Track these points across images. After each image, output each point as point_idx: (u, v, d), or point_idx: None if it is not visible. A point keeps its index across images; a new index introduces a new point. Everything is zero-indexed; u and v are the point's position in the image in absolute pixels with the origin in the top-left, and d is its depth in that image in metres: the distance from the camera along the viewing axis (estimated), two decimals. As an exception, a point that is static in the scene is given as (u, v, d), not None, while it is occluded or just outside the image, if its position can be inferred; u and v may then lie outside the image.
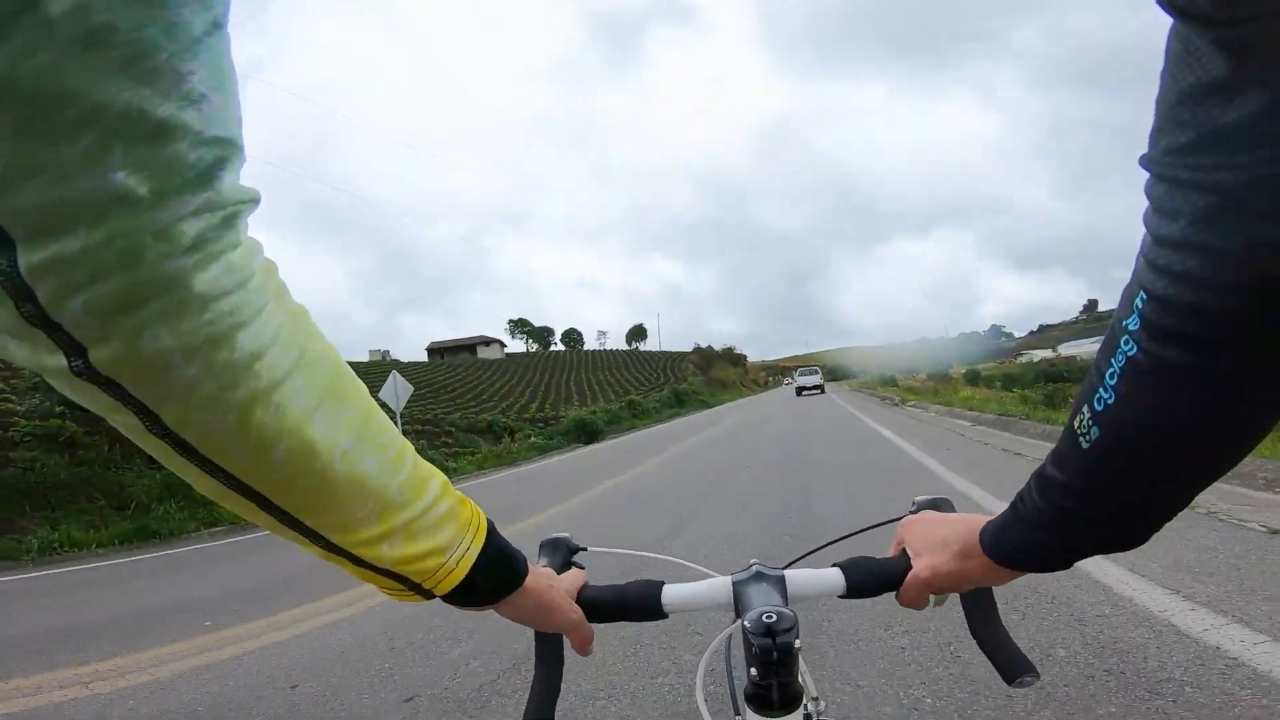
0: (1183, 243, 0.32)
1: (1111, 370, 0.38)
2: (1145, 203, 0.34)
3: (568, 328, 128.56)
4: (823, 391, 41.07)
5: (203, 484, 0.36)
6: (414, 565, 0.43)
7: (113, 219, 0.26)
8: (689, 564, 0.76)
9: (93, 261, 0.26)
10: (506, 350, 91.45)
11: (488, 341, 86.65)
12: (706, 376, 68.77)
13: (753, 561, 0.64)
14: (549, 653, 0.65)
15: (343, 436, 0.37)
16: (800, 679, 0.60)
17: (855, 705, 2.17)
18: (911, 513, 0.66)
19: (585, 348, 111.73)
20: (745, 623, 0.55)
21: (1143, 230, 0.35)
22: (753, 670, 0.55)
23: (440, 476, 0.45)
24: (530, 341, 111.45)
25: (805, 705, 0.60)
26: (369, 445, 0.38)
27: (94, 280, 0.27)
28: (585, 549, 0.72)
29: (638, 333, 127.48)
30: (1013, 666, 0.59)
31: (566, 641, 0.63)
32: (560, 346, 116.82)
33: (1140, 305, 0.35)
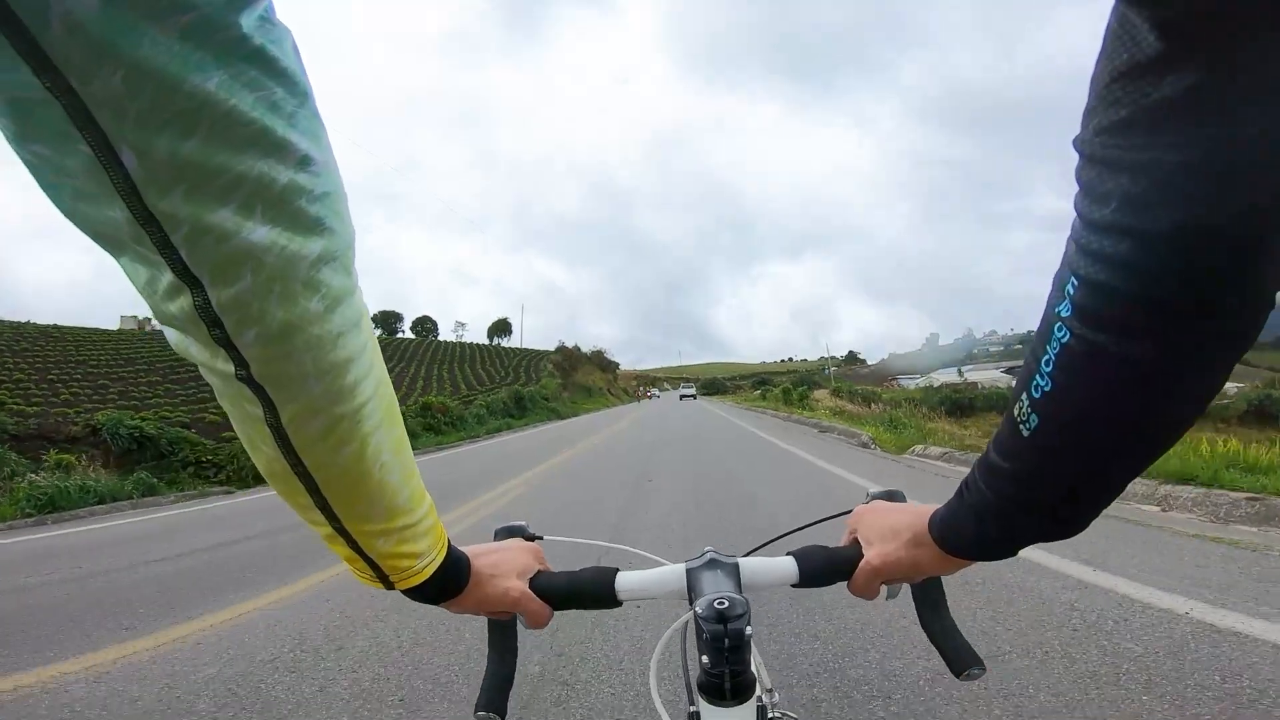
0: (1112, 226, 0.32)
1: (1047, 358, 0.37)
2: (1075, 187, 0.34)
3: (420, 315, 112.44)
4: (696, 398, 54.71)
5: (273, 465, 0.44)
6: (393, 561, 0.52)
7: (268, 267, 0.34)
8: (644, 553, 0.81)
9: (260, 301, 0.35)
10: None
11: None
12: (568, 380, 58.44)
13: (707, 549, 0.63)
14: (501, 640, 0.66)
15: (386, 449, 0.46)
16: (754, 669, 0.60)
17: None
18: (864, 504, 0.65)
19: (440, 338, 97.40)
20: (697, 609, 0.55)
21: (1073, 215, 0.35)
22: (704, 658, 0.55)
23: (429, 498, 0.54)
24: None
25: (759, 696, 0.60)
26: (399, 460, 0.48)
27: (262, 317, 0.36)
28: (541, 538, 0.72)
29: (500, 327, 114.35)
30: (960, 658, 0.60)
31: (521, 629, 0.65)
32: (409, 335, 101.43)
33: (1071, 291, 0.35)
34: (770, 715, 0.66)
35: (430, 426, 20.66)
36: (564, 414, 36.46)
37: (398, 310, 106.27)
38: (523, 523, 0.71)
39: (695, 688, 0.59)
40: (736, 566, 0.61)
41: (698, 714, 0.60)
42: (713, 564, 0.61)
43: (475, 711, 0.62)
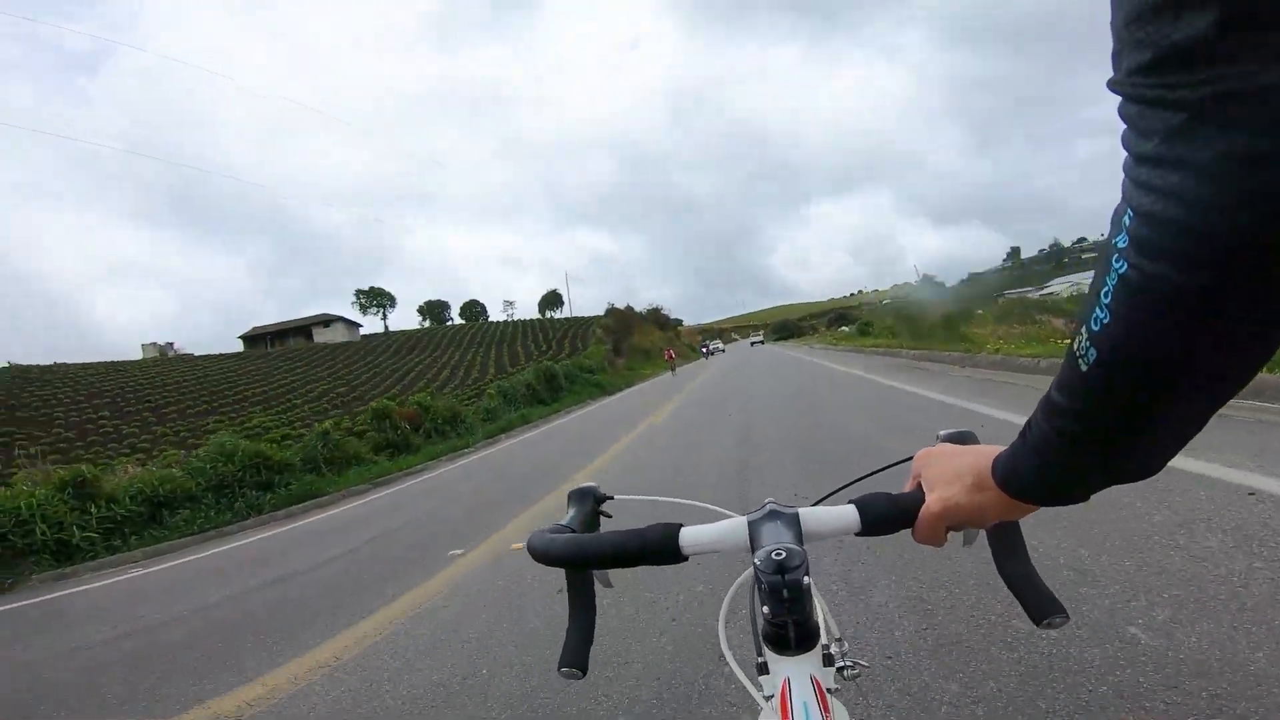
0: (1160, 159, 0.32)
1: (1106, 289, 0.37)
2: (1121, 126, 0.34)
3: (468, 300, 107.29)
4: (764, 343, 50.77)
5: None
6: None
7: None
8: (712, 507, 0.80)
9: None
10: (362, 330, 70.79)
11: (327, 321, 65.79)
12: (622, 344, 51.09)
13: (768, 501, 0.64)
14: (579, 596, 0.67)
15: None
16: (819, 618, 0.62)
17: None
18: (932, 446, 0.64)
19: (491, 320, 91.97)
20: (756, 561, 0.56)
21: (1123, 152, 0.35)
22: (766, 609, 0.56)
23: None
24: (381, 313, 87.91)
25: (826, 645, 0.62)
26: None
27: None
28: (612, 497, 0.76)
29: (551, 300, 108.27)
30: (1041, 606, 0.59)
31: (598, 585, 0.70)
32: (458, 321, 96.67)
33: (1128, 223, 0.35)
34: (838, 665, 0.66)
35: (390, 443, 13.75)
36: (610, 387, 29.23)
37: (444, 300, 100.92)
38: (594, 484, 0.76)
39: (761, 638, 0.62)
40: (796, 517, 0.61)
41: (764, 664, 0.64)
42: (773, 515, 0.62)
43: (559, 668, 0.65)
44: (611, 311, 64.30)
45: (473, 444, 14.51)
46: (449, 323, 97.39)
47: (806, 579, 0.54)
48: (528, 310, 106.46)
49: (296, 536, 7.71)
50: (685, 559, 0.63)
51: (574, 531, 0.69)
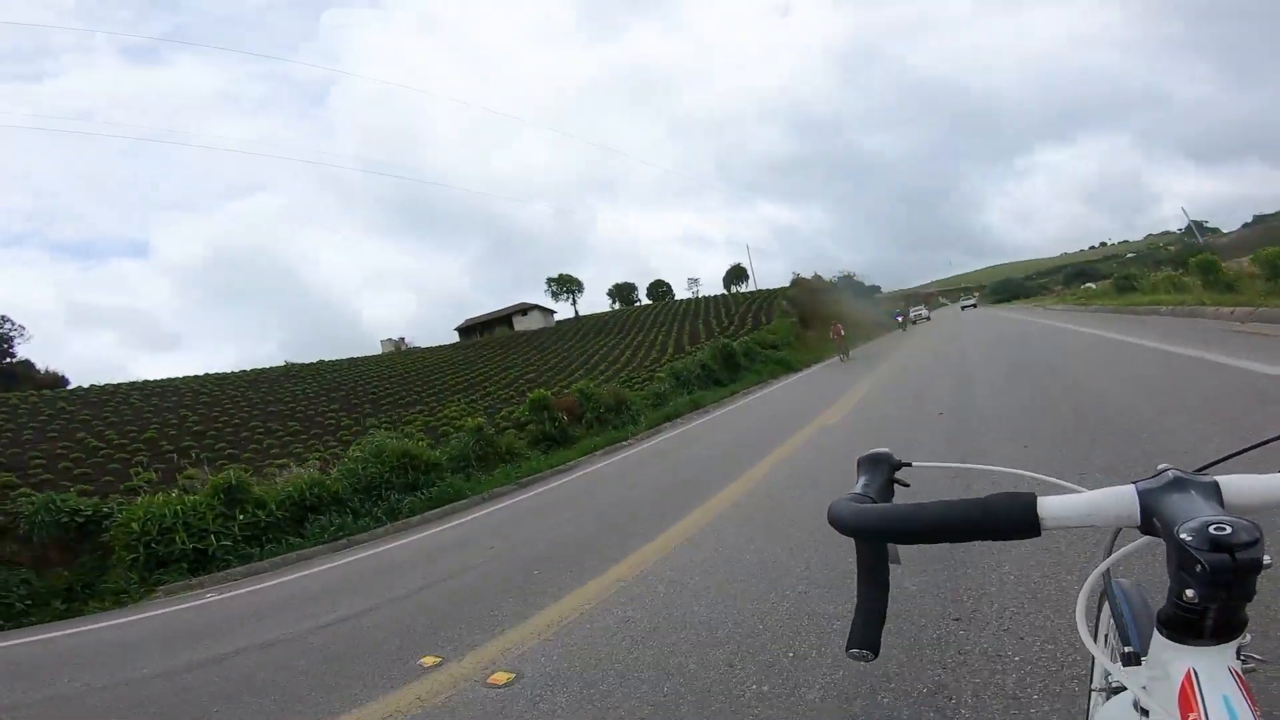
0: None
1: None
2: None
3: (654, 279, 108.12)
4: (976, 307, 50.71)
5: None
6: None
7: None
8: (1033, 475, 0.72)
9: None
10: (556, 316, 73.89)
11: (525, 309, 69.50)
12: (811, 316, 47.11)
13: (1163, 466, 0.55)
14: (870, 573, 0.62)
15: None
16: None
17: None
18: None
19: (677, 298, 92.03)
20: (1182, 535, 0.48)
21: None
22: (1188, 591, 0.49)
23: None
24: (570, 299, 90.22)
25: (1246, 636, 0.54)
26: None
27: None
28: (909, 464, 0.70)
29: (736, 274, 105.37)
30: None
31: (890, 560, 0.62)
32: (645, 301, 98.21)
33: None
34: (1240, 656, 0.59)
35: (547, 436, 12.79)
36: (797, 365, 26.37)
37: (631, 282, 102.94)
38: (886, 449, 0.69)
39: (1133, 623, 0.59)
40: (1216, 485, 0.53)
41: (1134, 654, 0.59)
42: (1180, 484, 0.53)
43: (847, 650, 0.61)
44: (797, 282, 59.95)
45: (632, 435, 13.06)
46: (636, 304, 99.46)
47: (1267, 558, 0.46)
48: (713, 286, 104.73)
49: (404, 556, 6.68)
50: (1039, 534, 0.56)
51: (873, 501, 0.63)
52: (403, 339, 62.47)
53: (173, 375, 39.24)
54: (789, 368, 25.41)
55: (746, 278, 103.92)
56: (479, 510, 8.87)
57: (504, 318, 67.47)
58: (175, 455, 17.65)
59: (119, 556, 7.79)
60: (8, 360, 43.45)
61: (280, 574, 7.29)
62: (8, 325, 44.00)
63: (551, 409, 13.31)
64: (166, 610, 6.47)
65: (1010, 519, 0.55)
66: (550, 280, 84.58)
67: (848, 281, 64.53)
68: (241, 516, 8.42)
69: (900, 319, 51.18)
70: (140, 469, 15.78)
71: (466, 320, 73.23)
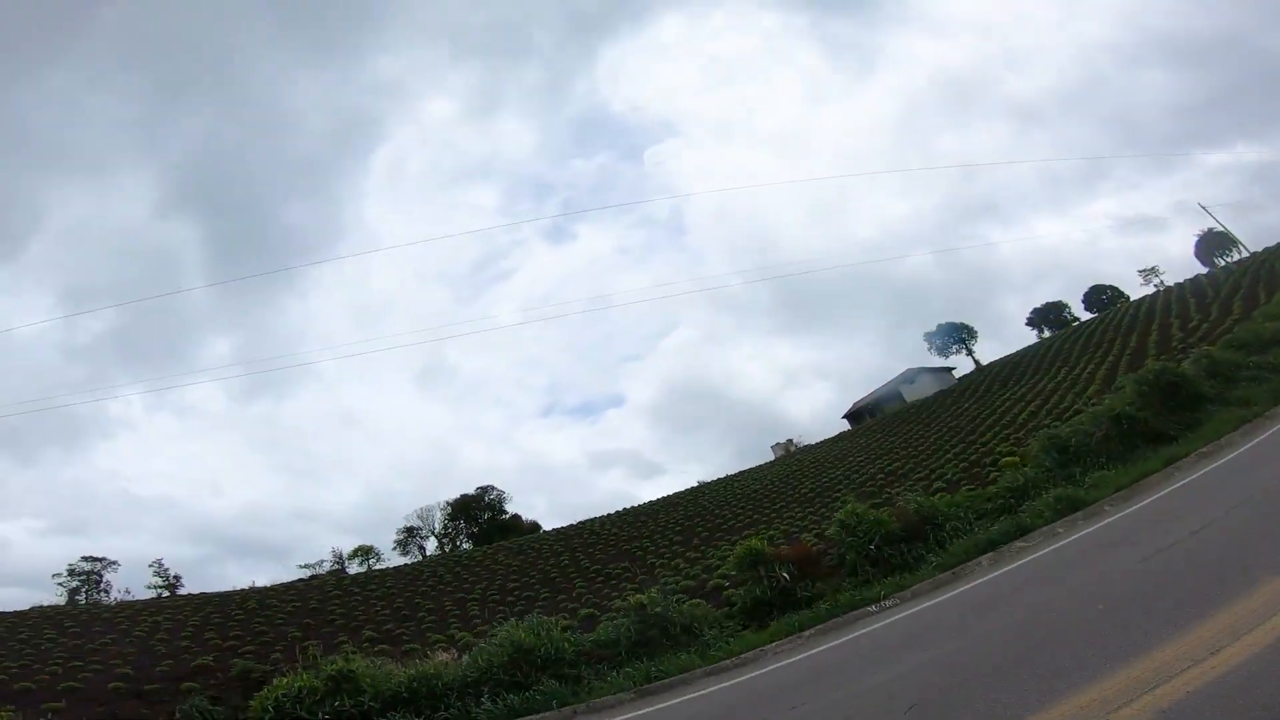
0: None
1: None
2: None
3: (1091, 286, 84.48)
4: None
5: None
6: None
7: None
8: None
9: None
10: (958, 372, 62.58)
11: (911, 378, 60.64)
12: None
13: None
14: None
15: None
16: None
17: None
18: None
19: (1132, 298, 69.76)
20: None
21: None
22: None
23: None
24: (962, 349, 73.87)
25: None
26: None
27: None
28: None
29: (1213, 244, 75.56)
30: None
31: None
32: (1081, 317, 77.44)
33: None
34: None
35: (761, 603, 8.88)
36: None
37: (1058, 301, 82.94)
38: None
39: None
40: None
41: None
42: None
43: None
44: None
45: (883, 597, 8.01)
46: (1071, 323, 79.14)
47: None
48: (1182, 269, 76.50)
49: None
50: None
51: None
52: (790, 440, 60.83)
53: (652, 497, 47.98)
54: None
55: (1232, 244, 73.65)
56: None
57: (891, 393, 60.59)
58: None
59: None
60: (502, 516, 58.12)
61: None
62: (493, 493, 58.90)
63: (770, 563, 9.23)
64: None
65: None
66: (928, 335, 73.33)
67: None
68: (336, 704, 7.56)
69: None
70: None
71: (855, 404, 68.20)
